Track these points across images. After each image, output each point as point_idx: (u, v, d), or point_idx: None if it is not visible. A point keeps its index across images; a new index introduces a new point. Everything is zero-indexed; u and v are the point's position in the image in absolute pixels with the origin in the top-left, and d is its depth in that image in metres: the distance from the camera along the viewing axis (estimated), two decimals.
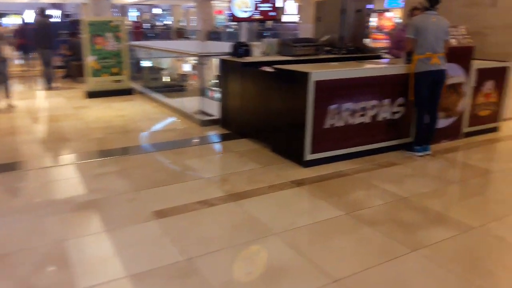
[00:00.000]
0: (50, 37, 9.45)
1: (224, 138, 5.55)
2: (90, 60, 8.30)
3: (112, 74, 8.55)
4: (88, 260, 2.71)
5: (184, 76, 9.97)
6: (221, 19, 28.82)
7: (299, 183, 3.95)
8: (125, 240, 2.94)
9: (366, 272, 2.58)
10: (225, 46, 6.05)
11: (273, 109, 4.82)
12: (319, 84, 4.26)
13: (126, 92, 8.65)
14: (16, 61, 12.48)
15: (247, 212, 3.34)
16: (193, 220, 3.21)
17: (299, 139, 4.38)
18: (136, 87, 8.96)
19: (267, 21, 22.31)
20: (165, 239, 2.95)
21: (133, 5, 35.02)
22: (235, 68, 5.58)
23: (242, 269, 2.68)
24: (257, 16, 6.25)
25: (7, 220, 3.25)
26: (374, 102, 4.69)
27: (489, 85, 5.65)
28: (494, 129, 5.88)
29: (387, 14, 23.44)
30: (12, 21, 23.10)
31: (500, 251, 2.90)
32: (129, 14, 35.86)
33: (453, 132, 5.48)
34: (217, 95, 6.03)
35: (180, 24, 33.27)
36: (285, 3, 21.19)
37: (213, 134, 5.73)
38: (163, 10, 38.25)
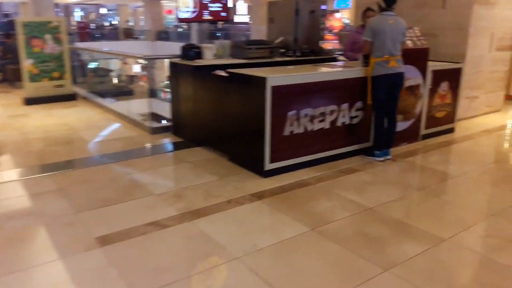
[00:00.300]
0: None
1: (176, 147, 5.19)
2: (27, 64, 7.63)
3: (53, 78, 7.93)
4: None
5: (133, 78, 9.46)
6: (171, 19, 28.11)
7: (259, 196, 3.67)
8: (62, 276, 2.54)
9: None
10: (175, 47, 5.70)
11: (229, 116, 4.53)
12: (276, 89, 4.01)
13: (69, 97, 8.06)
14: None
15: (204, 234, 3.02)
16: (143, 246, 2.85)
17: (258, 148, 4.11)
18: (80, 92, 8.36)
19: (218, 22, 21.99)
20: (111, 272, 2.57)
21: (78, 4, 33.55)
22: (186, 72, 5.23)
23: None
24: (208, 17, 5.92)
25: None
26: (333, 107, 4.51)
27: (444, 86, 5.65)
28: (450, 130, 5.90)
29: (336, 15, 23.78)
30: None
31: (474, 265, 2.76)
32: (74, 14, 34.38)
33: (411, 135, 5.42)
34: (170, 96, 5.66)
35: (128, 24, 32.22)
36: (236, 3, 20.94)
37: (165, 142, 5.35)
38: (108, 10, 36.94)
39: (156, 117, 6.07)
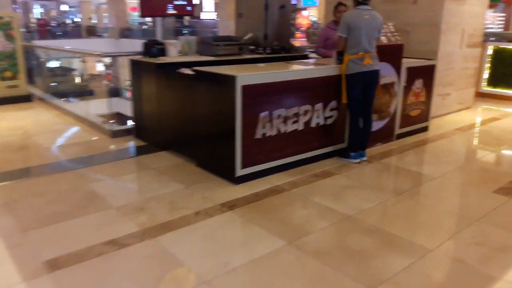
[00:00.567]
0: None
1: (139, 151, 4.81)
2: None
3: (5, 78, 7.34)
4: None
5: (97, 77, 8.94)
6: (135, 16, 27.31)
7: (230, 205, 3.37)
8: None
9: None
10: (140, 44, 5.28)
11: (196, 118, 4.20)
12: (247, 88, 3.71)
13: (24, 99, 7.48)
14: None
15: (169, 254, 2.69)
16: (98, 271, 2.50)
17: (228, 152, 3.81)
18: (36, 93, 7.80)
19: (184, 18, 21.48)
20: None
21: (37, 1, 32.22)
22: (148, 70, 4.86)
23: None
24: (172, 11, 5.55)
25: None
26: (306, 107, 4.25)
27: (418, 84, 5.50)
28: (424, 129, 5.77)
29: (304, 12, 23.70)
30: None
31: (464, 278, 2.55)
32: (34, 10, 33.02)
33: (386, 135, 5.24)
34: (132, 96, 5.26)
35: (91, 21, 31.19)
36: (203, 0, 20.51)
37: (127, 147, 4.96)
38: (70, 7, 35.67)
39: (121, 117, 5.67)
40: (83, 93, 7.94)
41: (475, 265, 2.65)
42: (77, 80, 8.72)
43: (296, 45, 7.72)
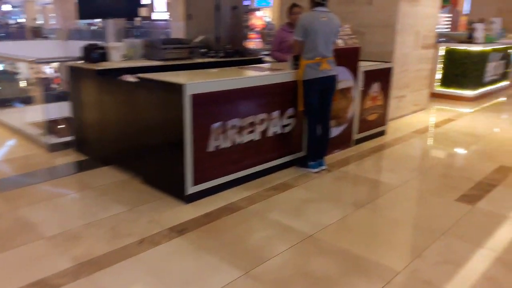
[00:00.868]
0: None
1: (79, 168, 4.35)
2: None
3: None
4: None
5: (44, 81, 8.24)
6: None
7: (180, 230, 3.02)
8: None
9: None
10: None
11: (142, 130, 3.82)
12: (198, 97, 3.39)
13: None
14: None
15: None
16: None
17: (177, 168, 3.46)
18: None
19: (135, 19, 20.72)
20: None
21: None
22: (89, 77, 4.41)
23: None
24: (113, 14, 5.12)
25: None
26: (263, 116, 3.98)
27: (375, 88, 5.36)
28: (382, 133, 5.65)
29: (257, 13, 23.52)
30: None
31: None
32: None
33: (344, 141, 5.06)
34: (71, 106, 4.75)
35: (37, 22, 29.65)
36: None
37: (65, 163, 4.47)
38: (13, 7, 33.78)
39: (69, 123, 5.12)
40: (26, 99, 7.27)
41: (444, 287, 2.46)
42: (22, 84, 8.01)
43: (251, 46, 7.48)
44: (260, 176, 4.05)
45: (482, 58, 8.25)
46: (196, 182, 3.50)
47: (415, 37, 6.56)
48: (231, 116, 3.69)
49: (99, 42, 4.80)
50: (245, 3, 5.57)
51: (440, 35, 8.76)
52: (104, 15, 5.10)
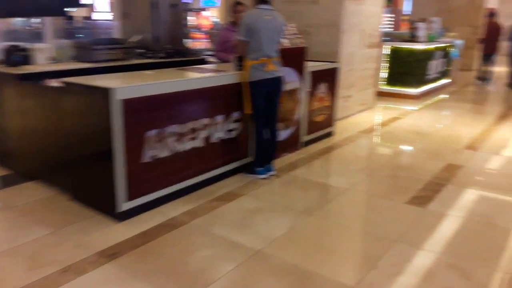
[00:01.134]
0: None
1: (1, 183, 3.87)
2: None
3: None
4: None
5: None
6: None
7: (111, 254, 2.68)
8: None
9: None
10: None
11: (70, 140, 3.41)
12: (130, 103, 3.05)
13: None
14: None
15: None
16: None
17: (108, 182, 3.10)
18: None
19: (74, 19, 19.69)
20: None
21: None
22: (9, 82, 3.94)
23: None
24: (35, 12, 4.64)
25: None
26: (205, 121, 3.70)
27: (322, 88, 5.22)
28: (329, 134, 5.53)
29: (204, 13, 23.11)
30: None
31: None
32: None
33: (292, 143, 4.87)
34: None
35: None
36: None
37: None
38: None
39: None
40: None
41: None
42: None
43: (199, 47, 7.15)
44: (204, 186, 3.76)
45: (425, 57, 8.41)
46: (131, 197, 3.16)
47: (361, 36, 6.52)
48: (170, 122, 3.38)
49: (21, 44, 4.32)
50: (185, 0, 5.25)
51: (384, 34, 8.84)
52: (23, 14, 4.59)
